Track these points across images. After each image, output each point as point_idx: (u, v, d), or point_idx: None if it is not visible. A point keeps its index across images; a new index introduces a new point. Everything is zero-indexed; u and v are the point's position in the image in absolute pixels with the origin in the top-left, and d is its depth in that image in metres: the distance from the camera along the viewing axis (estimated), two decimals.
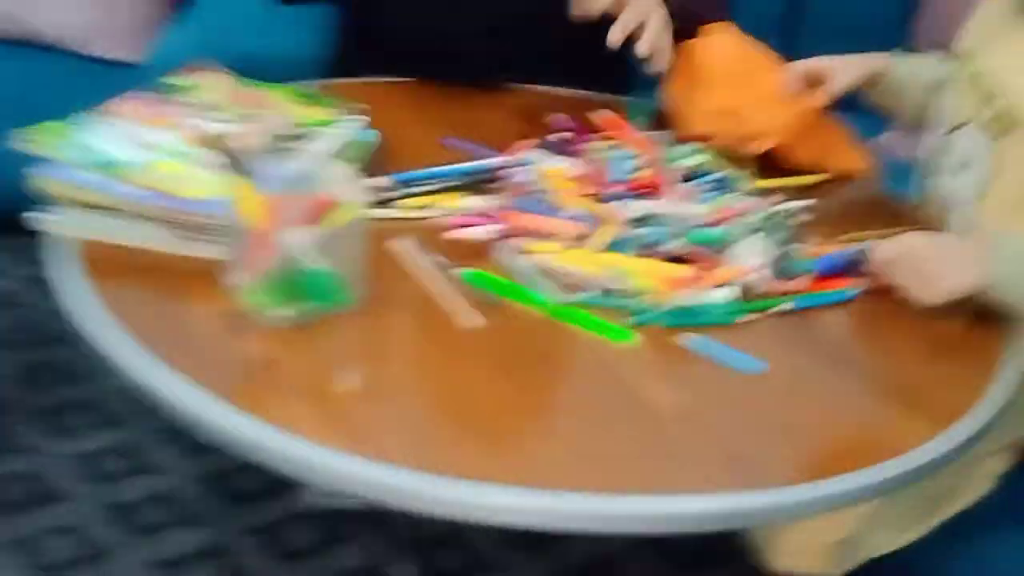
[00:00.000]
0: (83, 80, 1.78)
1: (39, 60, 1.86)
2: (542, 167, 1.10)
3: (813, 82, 1.27)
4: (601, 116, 1.24)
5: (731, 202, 1.08)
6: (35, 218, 0.94)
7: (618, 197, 1.07)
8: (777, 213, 1.07)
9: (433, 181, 1.06)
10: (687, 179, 1.12)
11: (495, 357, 0.87)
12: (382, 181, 1.05)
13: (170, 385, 0.77)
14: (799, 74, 1.27)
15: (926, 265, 0.99)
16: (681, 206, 1.05)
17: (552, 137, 1.19)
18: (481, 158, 1.12)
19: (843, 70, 1.28)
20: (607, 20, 1.35)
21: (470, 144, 1.16)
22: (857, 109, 1.37)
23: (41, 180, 0.93)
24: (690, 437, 0.82)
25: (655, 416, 0.83)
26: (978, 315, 0.99)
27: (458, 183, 1.08)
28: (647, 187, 1.10)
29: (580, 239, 1.00)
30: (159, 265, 0.91)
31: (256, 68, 1.56)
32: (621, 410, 0.83)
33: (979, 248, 1.00)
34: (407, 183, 1.05)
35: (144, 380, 0.78)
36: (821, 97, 1.25)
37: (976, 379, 0.92)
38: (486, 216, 1.02)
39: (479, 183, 1.09)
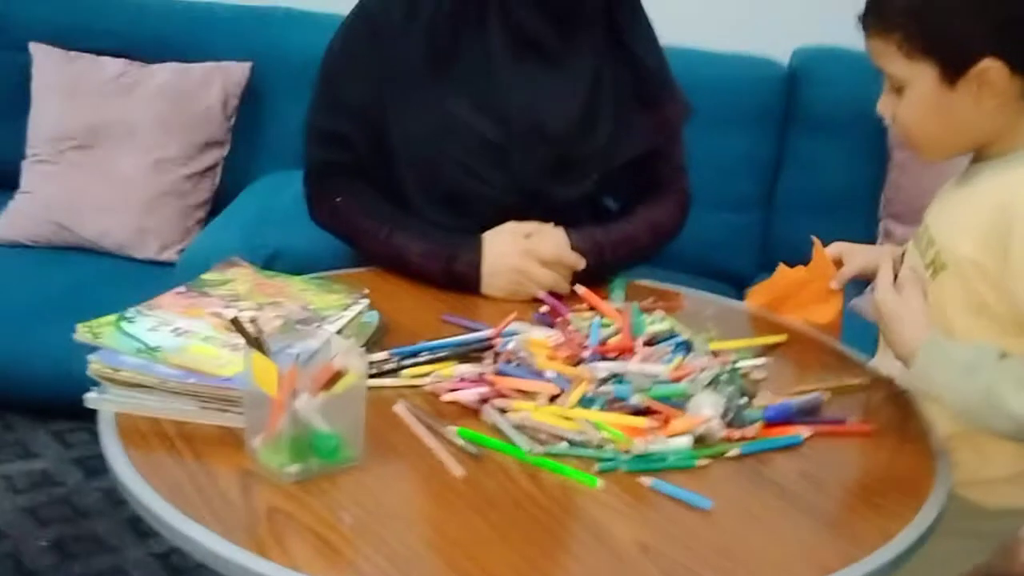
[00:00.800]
0: (128, 279, 2.00)
1: (89, 264, 2.08)
2: (527, 337, 1.26)
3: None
4: (580, 290, 1.40)
5: (690, 361, 1.22)
6: (88, 398, 1.10)
7: (591, 360, 1.22)
8: (732, 370, 1.21)
9: (428, 353, 1.22)
10: (652, 343, 1.27)
11: (478, 503, 1.00)
12: (382, 355, 1.21)
13: (195, 534, 0.91)
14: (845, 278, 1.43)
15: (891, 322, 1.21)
16: (645, 366, 1.19)
17: (539, 311, 1.35)
18: (475, 331, 1.28)
19: (856, 256, 1.43)
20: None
21: (466, 320, 1.32)
22: None
23: (94, 365, 1.10)
24: (649, 569, 0.93)
25: (618, 551, 0.95)
26: (910, 461, 1.12)
27: (452, 353, 1.23)
28: (617, 350, 1.25)
29: (555, 398, 1.14)
30: (190, 434, 1.06)
31: (283, 263, 1.76)
32: (587, 545, 0.96)
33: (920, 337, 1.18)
34: (405, 356, 1.21)
35: (173, 530, 0.92)
36: (835, 282, 1.43)
37: (906, 508, 1.03)
38: (475, 381, 1.17)
39: (472, 352, 1.24)
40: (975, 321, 1.20)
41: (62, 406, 1.07)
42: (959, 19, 1.16)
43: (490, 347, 1.24)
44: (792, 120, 2.27)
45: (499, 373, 1.18)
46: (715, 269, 2.21)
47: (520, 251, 1.42)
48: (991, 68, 1.15)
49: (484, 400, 1.14)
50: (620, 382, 1.15)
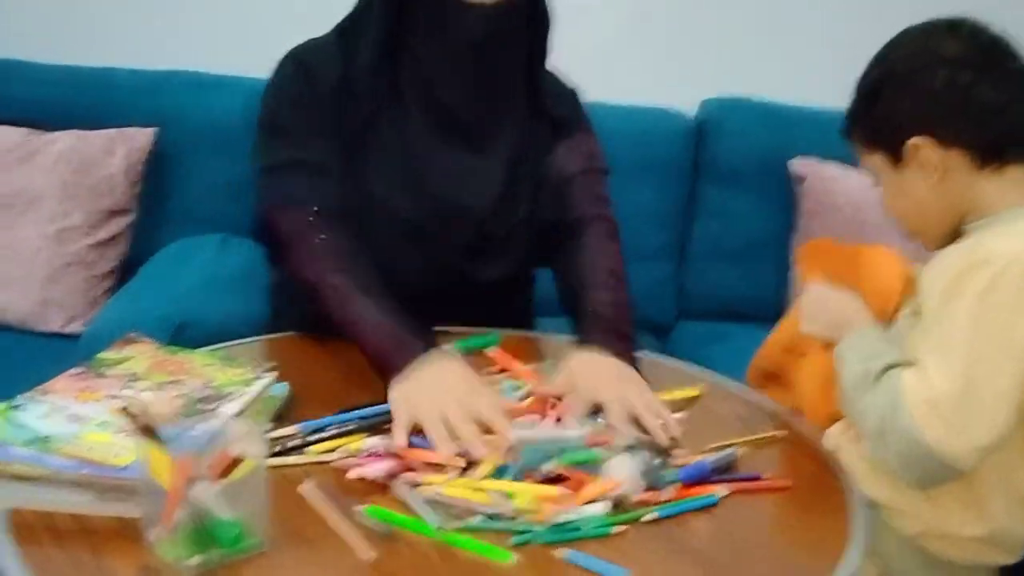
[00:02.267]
0: (32, 355, 1.92)
1: None
2: None
3: None
4: (493, 352, 1.38)
5: (602, 425, 1.21)
6: None
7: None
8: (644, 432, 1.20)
9: (335, 427, 1.19)
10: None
11: None
12: (290, 430, 1.17)
13: None
14: None
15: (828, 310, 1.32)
16: (558, 430, 1.18)
17: None
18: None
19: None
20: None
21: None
22: None
23: None
24: None
25: None
26: (826, 515, 1.12)
27: (360, 426, 1.20)
28: (532, 412, 1.23)
29: (468, 468, 1.11)
30: (85, 527, 1.01)
31: (190, 334, 1.72)
32: None
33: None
34: (311, 432, 1.18)
35: None
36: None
37: (821, 568, 1.03)
38: (382, 455, 1.14)
39: (381, 425, 1.21)
40: None
41: None
42: (885, 105, 1.24)
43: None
44: (701, 170, 2.30)
45: (409, 445, 1.15)
46: (636, 319, 2.21)
47: (457, 399, 1.19)
48: (920, 145, 1.22)
49: (393, 475, 1.11)
50: (535, 449, 1.13)
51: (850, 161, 2.18)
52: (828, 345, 1.31)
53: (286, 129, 1.42)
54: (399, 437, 1.15)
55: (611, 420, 1.21)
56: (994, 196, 1.21)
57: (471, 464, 1.12)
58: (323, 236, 1.37)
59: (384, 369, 1.26)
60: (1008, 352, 1.15)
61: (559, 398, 1.26)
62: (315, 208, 1.38)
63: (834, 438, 1.31)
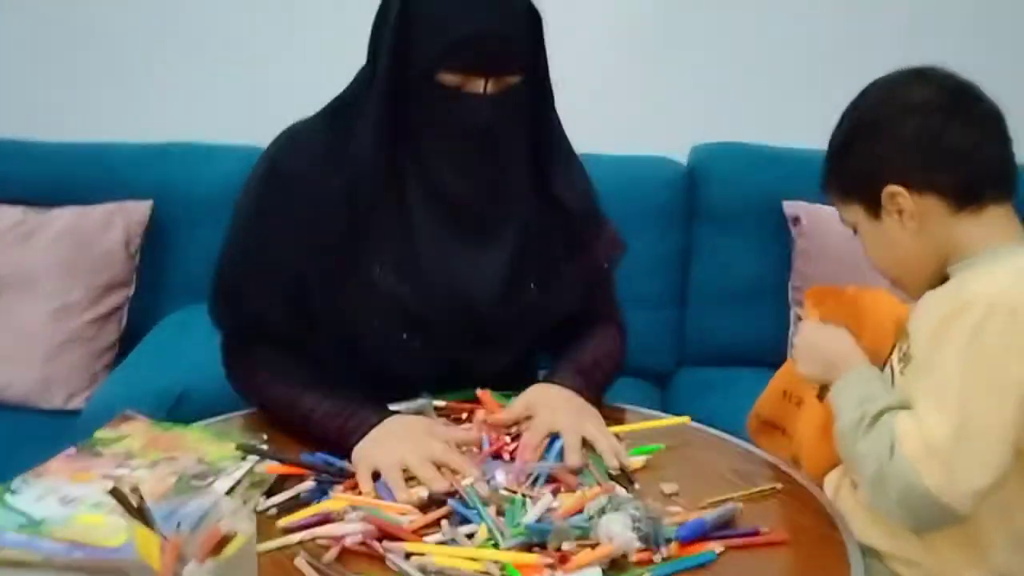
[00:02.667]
0: (33, 432, 1.93)
1: None
2: None
3: None
4: (480, 394, 1.38)
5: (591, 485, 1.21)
6: None
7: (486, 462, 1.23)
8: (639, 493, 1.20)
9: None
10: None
11: None
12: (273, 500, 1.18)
13: None
14: None
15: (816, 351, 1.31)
16: (546, 499, 1.17)
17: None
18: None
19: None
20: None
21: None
22: None
23: None
24: None
25: None
26: (825, 569, 1.11)
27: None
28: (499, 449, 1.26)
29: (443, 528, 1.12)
30: None
31: (189, 407, 1.72)
32: None
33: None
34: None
35: None
36: None
37: None
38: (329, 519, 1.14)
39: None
40: None
41: None
42: (857, 157, 1.25)
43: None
44: (696, 215, 2.31)
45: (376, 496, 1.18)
46: (634, 367, 2.19)
47: (412, 445, 1.24)
48: (896, 194, 1.22)
49: (369, 538, 1.10)
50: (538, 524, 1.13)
51: None
52: (824, 390, 1.31)
53: (244, 245, 1.42)
54: (364, 485, 1.20)
55: (566, 445, 1.26)
56: (975, 237, 1.21)
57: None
58: (249, 358, 1.44)
59: (344, 444, 1.28)
60: (1000, 393, 1.14)
61: (510, 429, 1.31)
62: (251, 337, 1.43)
63: (833, 484, 1.30)
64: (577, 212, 1.45)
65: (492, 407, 1.37)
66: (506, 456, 1.28)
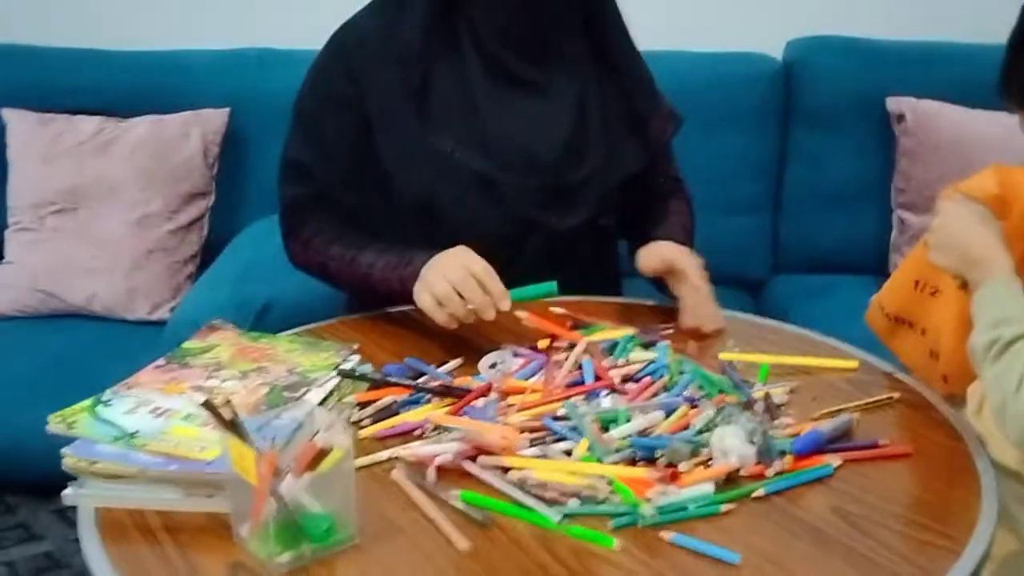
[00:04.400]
0: (119, 344, 1.93)
1: (79, 330, 2.02)
2: (505, 377, 1.21)
3: None
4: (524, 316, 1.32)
5: (696, 392, 1.15)
6: (65, 495, 1.03)
7: (587, 396, 1.16)
8: (751, 399, 1.13)
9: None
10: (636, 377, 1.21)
11: None
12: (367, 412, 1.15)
13: None
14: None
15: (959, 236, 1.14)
16: (652, 414, 1.11)
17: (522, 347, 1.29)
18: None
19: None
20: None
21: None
22: None
23: (68, 460, 1.03)
24: None
25: None
26: (951, 483, 1.04)
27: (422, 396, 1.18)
28: (610, 386, 1.18)
29: (537, 444, 1.08)
30: (173, 524, 0.99)
31: (274, 315, 1.70)
32: None
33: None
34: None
35: None
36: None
37: (950, 547, 0.95)
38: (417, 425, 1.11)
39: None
40: None
41: (64, 483, 1.03)
42: None
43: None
44: (792, 116, 2.19)
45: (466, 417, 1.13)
46: (727, 276, 2.11)
47: (462, 261, 1.29)
48: None
49: (463, 457, 1.06)
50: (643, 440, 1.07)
51: (951, 96, 2.08)
52: (965, 282, 1.15)
53: (308, 122, 1.46)
54: (436, 317, 1.28)
55: (690, 275, 1.37)
56: None
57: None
58: (308, 226, 1.46)
59: (406, 291, 1.32)
60: None
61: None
62: (309, 208, 1.47)
63: (979, 393, 1.20)
64: (636, 79, 1.48)
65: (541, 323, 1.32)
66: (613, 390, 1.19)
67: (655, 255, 1.39)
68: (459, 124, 1.41)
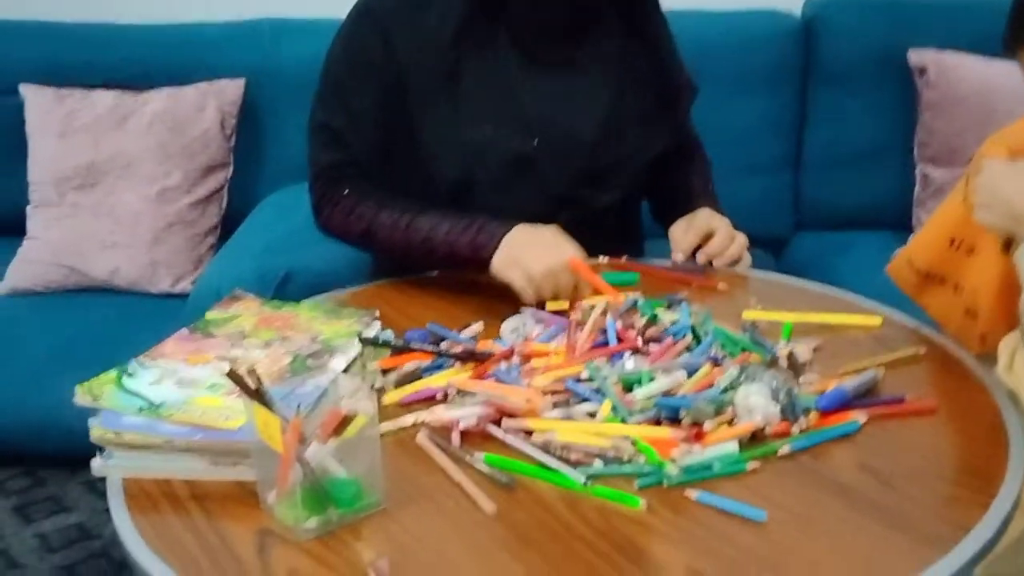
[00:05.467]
0: (143, 316, 1.94)
1: (103, 304, 2.03)
2: (528, 339, 1.21)
3: None
4: (574, 261, 1.29)
5: (719, 352, 1.15)
6: (93, 465, 1.04)
7: (610, 358, 1.15)
8: (775, 357, 1.12)
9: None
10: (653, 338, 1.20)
11: (513, 542, 0.92)
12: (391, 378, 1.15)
13: None
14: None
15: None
16: (675, 374, 1.10)
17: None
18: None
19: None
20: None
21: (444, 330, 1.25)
22: None
23: (95, 431, 1.04)
24: None
25: None
26: (978, 437, 1.03)
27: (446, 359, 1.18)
28: (633, 347, 1.17)
29: (561, 407, 1.07)
30: (201, 493, 0.99)
31: (295, 285, 1.70)
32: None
33: None
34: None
35: None
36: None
37: (979, 501, 0.94)
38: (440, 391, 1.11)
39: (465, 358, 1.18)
40: None
41: (93, 454, 1.05)
42: None
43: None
44: (812, 73, 2.16)
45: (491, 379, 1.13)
46: (750, 235, 2.10)
47: (560, 248, 1.30)
48: None
49: (486, 421, 1.06)
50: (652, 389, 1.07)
51: (972, 48, 2.05)
52: (1008, 243, 1.13)
53: (339, 86, 1.43)
54: (525, 295, 1.28)
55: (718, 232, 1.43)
56: None
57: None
58: (347, 190, 1.43)
59: (478, 257, 1.31)
60: None
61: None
62: (347, 174, 1.43)
63: (1010, 348, 1.17)
64: (667, 57, 1.48)
65: (588, 273, 1.30)
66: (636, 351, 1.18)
67: (691, 233, 1.44)
68: (496, 108, 1.39)
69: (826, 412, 1.06)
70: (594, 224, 1.43)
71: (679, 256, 1.44)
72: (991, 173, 1.14)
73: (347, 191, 1.43)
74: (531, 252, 1.29)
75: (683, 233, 1.45)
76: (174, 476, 1.02)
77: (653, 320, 1.21)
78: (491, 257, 1.30)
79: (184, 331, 1.22)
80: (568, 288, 1.28)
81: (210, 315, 1.26)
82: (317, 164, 1.46)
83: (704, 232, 1.44)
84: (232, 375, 0.95)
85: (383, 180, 1.44)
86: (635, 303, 1.25)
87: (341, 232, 1.46)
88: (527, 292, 1.28)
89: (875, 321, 1.26)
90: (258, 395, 0.95)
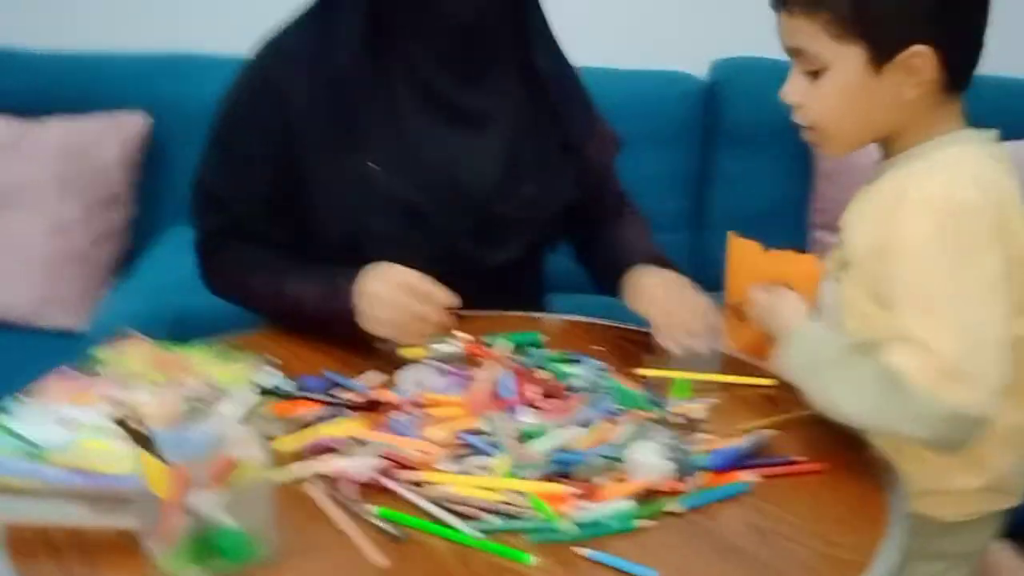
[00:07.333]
0: (34, 353, 1.86)
1: None
2: (425, 390, 1.20)
3: None
4: (462, 336, 1.31)
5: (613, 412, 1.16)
6: None
7: (508, 411, 1.15)
8: (669, 415, 1.14)
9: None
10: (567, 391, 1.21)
11: None
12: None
13: None
14: None
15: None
16: (571, 429, 1.11)
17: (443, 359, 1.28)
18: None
19: None
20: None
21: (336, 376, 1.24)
22: None
23: None
24: None
25: None
26: (863, 497, 1.06)
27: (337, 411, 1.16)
28: (530, 402, 1.17)
29: (456, 459, 1.07)
30: (81, 541, 0.96)
31: (191, 326, 1.66)
32: None
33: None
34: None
35: None
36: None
37: (859, 555, 0.97)
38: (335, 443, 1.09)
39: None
40: (879, 312, 1.14)
41: None
42: (895, 1, 1.11)
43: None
44: (714, 135, 2.22)
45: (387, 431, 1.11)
46: None
47: (399, 280, 1.28)
48: (921, 55, 1.11)
49: (382, 473, 1.04)
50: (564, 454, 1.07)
51: None
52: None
53: (228, 146, 1.41)
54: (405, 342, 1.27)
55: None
56: (933, 122, 1.15)
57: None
58: (228, 257, 1.43)
59: (344, 320, 1.28)
60: (991, 290, 1.07)
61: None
62: (227, 237, 1.42)
63: None
64: (570, 103, 1.45)
65: (477, 350, 1.30)
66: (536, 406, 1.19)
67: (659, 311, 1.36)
68: (388, 150, 1.36)
69: (719, 471, 1.08)
70: (495, 288, 1.40)
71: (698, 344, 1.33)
72: (766, 303, 1.28)
73: (228, 258, 1.43)
74: (375, 304, 1.27)
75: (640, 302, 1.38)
76: (53, 523, 0.98)
77: (557, 376, 1.22)
78: (352, 321, 1.28)
79: (65, 368, 1.18)
80: (427, 309, 1.25)
81: (98, 354, 1.22)
82: (200, 229, 1.46)
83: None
84: (121, 423, 0.93)
85: (271, 237, 1.40)
86: (536, 357, 1.25)
87: (227, 298, 1.47)
88: (401, 339, 1.27)
89: (769, 381, 1.29)
90: (144, 440, 0.92)
